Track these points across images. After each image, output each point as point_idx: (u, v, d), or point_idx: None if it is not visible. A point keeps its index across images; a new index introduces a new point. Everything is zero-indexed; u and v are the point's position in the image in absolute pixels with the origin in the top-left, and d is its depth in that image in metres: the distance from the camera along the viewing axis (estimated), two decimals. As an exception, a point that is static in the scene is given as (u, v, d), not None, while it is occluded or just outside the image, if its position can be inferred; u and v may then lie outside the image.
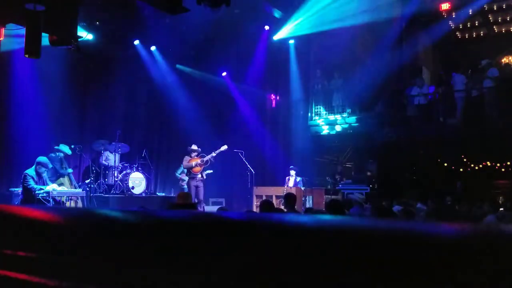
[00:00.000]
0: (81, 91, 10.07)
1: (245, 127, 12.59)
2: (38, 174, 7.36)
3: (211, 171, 10.51)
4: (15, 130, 8.75)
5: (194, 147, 10.12)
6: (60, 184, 8.05)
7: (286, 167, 11.39)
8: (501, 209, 7.75)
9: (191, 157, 10.01)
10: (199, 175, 9.95)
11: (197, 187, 9.86)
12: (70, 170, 8.79)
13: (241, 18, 11.32)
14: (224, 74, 13.02)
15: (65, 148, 8.76)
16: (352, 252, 0.60)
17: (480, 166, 12.35)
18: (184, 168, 10.16)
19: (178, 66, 12.28)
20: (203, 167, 10.03)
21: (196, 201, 9.53)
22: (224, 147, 10.03)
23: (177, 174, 11.20)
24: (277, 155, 12.52)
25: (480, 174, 12.32)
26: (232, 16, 10.29)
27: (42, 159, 7.46)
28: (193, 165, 9.88)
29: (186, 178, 10.74)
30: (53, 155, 8.43)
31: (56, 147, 8.71)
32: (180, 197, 6.03)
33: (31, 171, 7.30)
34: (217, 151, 9.98)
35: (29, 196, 7.14)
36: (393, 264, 0.57)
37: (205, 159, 9.96)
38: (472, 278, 0.53)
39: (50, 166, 7.69)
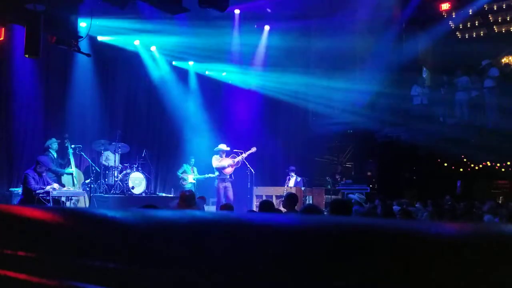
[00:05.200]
0: (81, 91, 10.05)
1: (245, 127, 12.58)
2: (39, 174, 7.35)
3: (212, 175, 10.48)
4: (15, 130, 8.74)
5: (223, 146, 10.09)
6: (62, 184, 8.03)
7: (286, 167, 11.39)
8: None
9: (221, 157, 10.00)
10: (228, 176, 10.00)
11: (225, 187, 9.93)
12: (67, 171, 8.67)
13: (244, 17, 11.32)
14: (224, 74, 13.02)
15: (52, 143, 8.37)
16: (351, 252, 0.60)
17: (480, 166, 12.34)
18: (216, 168, 10.09)
19: (175, 63, 12.14)
20: (234, 167, 10.04)
21: (223, 201, 9.66)
22: (254, 149, 10.08)
23: (178, 174, 11.19)
24: (277, 155, 12.51)
25: (480, 174, 12.32)
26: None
27: (41, 158, 7.45)
28: (226, 166, 9.88)
29: (187, 178, 10.72)
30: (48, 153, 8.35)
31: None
32: (183, 199, 5.39)
33: (31, 171, 7.29)
34: (248, 152, 10.03)
35: (29, 196, 7.13)
36: (392, 263, 0.57)
37: (236, 160, 9.98)
38: (471, 278, 0.53)
39: (50, 165, 7.68)
